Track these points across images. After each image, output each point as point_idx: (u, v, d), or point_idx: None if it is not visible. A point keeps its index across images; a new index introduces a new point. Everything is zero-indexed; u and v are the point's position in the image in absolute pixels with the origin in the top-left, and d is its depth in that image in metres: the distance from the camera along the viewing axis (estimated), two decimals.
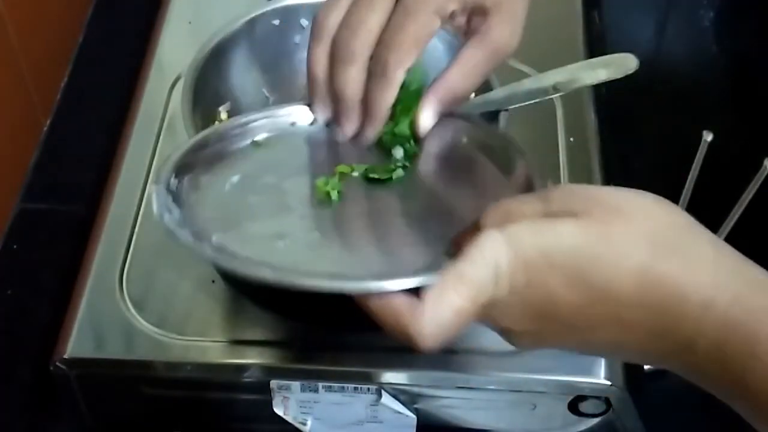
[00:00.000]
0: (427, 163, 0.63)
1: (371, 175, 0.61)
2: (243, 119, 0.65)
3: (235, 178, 0.61)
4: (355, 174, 0.62)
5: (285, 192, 0.60)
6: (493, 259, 0.45)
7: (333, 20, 0.59)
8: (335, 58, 0.59)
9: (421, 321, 0.45)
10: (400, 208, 0.61)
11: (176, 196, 0.56)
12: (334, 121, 0.63)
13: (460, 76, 0.61)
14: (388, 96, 0.59)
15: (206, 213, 0.56)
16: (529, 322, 0.46)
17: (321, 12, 0.60)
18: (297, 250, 0.55)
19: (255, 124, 0.64)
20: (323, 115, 0.63)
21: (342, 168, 0.62)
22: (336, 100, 0.61)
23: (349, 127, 0.62)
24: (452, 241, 0.52)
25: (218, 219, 0.56)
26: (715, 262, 0.44)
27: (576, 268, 0.44)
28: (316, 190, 0.60)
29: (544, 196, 0.47)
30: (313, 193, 0.60)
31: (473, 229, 0.48)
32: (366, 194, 0.61)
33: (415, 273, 0.48)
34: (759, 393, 0.42)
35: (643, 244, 0.44)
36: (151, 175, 0.78)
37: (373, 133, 0.62)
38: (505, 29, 0.60)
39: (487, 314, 0.46)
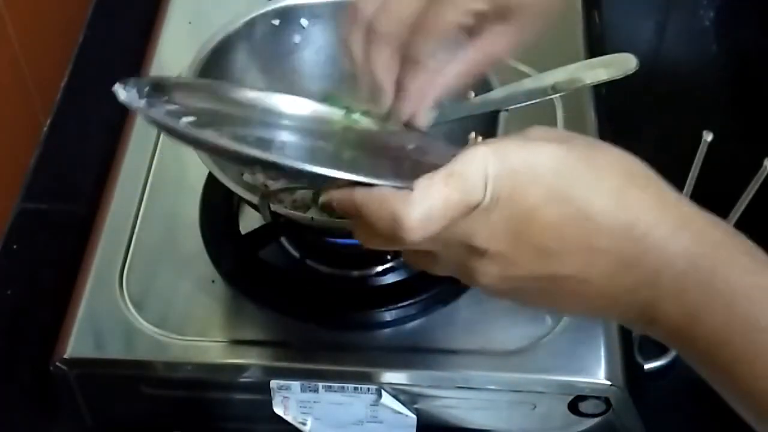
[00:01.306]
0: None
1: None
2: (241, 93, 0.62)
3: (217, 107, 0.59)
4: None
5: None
6: (482, 165, 0.45)
7: (369, 6, 0.57)
8: (369, 41, 0.57)
9: (409, 206, 0.44)
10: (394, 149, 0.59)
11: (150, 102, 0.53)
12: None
13: (455, 77, 0.59)
14: (418, 80, 0.57)
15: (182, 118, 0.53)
16: (503, 242, 0.45)
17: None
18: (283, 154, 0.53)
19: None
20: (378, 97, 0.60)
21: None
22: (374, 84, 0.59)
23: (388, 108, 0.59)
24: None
25: (195, 122, 0.53)
26: (680, 201, 0.46)
27: (557, 184, 0.45)
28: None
29: (525, 133, 0.49)
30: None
31: None
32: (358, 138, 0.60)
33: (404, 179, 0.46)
34: (714, 332, 0.44)
35: (620, 170, 0.46)
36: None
37: (419, 118, 0.59)
38: (510, 38, 0.58)
39: (467, 225, 0.45)
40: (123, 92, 0.51)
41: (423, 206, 0.44)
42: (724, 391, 0.46)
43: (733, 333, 0.44)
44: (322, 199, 0.48)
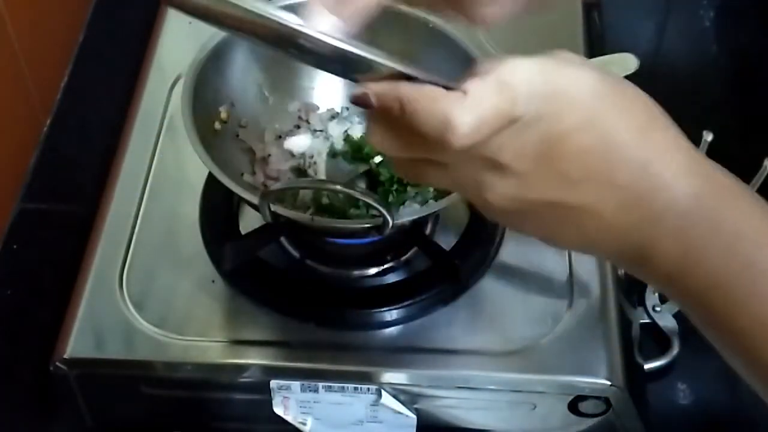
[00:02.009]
0: None
1: None
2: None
3: None
4: None
5: None
6: (529, 80, 0.44)
7: None
8: None
9: (462, 107, 0.43)
10: None
11: None
12: None
13: None
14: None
15: None
16: (528, 162, 0.45)
17: None
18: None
19: None
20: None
21: None
22: None
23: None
24: None
25: None
26: (693, 149, 0.47)
27: (593, 110, 0.45)
28: None
29: (555, 54, 0.47)
30: None
31: None
32: None
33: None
34: (713, 272, 0.44)
35: (644, 109, 0.46)
36: None
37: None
38: None
39: (499, 139, 0.44)
40: None
41: (474, 112, 0.43)
42: (716, 337, 0.46)
43: (731, 273, 0.44)
44: (357, 91, 0.44)
